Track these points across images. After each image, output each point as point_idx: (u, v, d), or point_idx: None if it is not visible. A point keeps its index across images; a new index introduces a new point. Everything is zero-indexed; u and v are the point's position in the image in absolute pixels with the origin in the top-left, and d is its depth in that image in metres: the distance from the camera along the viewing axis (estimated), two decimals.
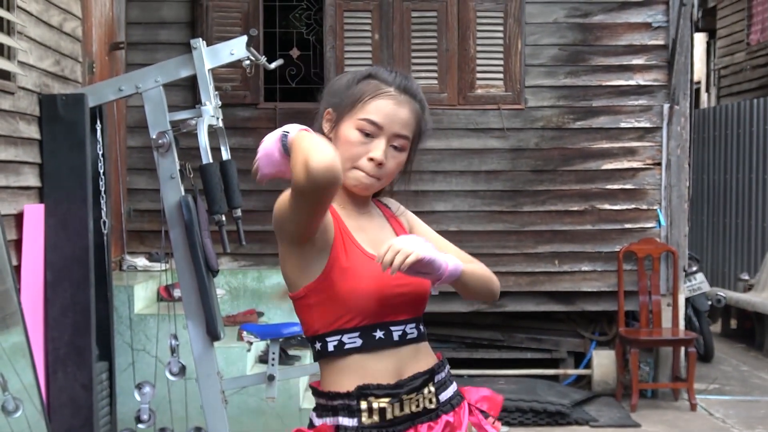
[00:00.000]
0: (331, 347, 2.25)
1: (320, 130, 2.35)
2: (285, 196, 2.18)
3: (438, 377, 2.34)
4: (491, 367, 7.80)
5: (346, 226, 2.29)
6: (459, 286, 2.33)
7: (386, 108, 2.28)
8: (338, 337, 2.24)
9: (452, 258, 2.25)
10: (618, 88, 7.71)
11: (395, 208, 2.49)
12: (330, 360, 2.27)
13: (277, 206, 2.23)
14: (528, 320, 7.97)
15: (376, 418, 2.22)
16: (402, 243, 2.12)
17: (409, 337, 2.30)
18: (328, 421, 2.26)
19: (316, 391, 2.31)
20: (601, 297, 7.74)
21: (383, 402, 2.22)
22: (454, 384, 2.42)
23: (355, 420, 2.22)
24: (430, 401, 2.30)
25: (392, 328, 2.27)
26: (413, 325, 2.32)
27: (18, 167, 4.76)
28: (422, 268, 2.14)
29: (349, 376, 2.24)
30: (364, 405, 2.22)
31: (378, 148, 2.27)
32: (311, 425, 2.31)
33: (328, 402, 2.26)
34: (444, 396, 2.34)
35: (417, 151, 2.40)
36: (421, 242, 2.15)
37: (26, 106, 4.87)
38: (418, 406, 2.27)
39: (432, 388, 2.30)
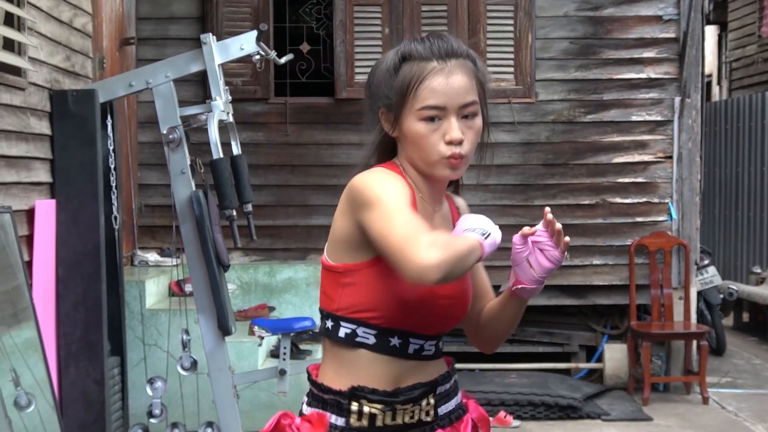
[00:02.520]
0: (342, 333, 2.12)
1: (380, 134, 2.20)
2: (390, 209, 1.96)
3: (441, 389, 2.18)
4: (503, 361, 7.79)
5: None
6: (511, 309, 2.20)
7: (439, 86, 2.07)
8: (354, 327, 2.11)
9: None
10: (629, 82, 7.69)
11: (463, 210, 2.30)
12: (335, 345, 2.15)
13: (387, 220, 1.95)
14: (539, 314, 7.95)
15: (365, 422, 2.10)
16: None
17: (424, 353, 2.15)
18: (315, 413, 2.16)
19: (311, 378, 2.21)
20: (613, 290, 7.72)
21: (375, 408, 2.09)
22: (459, 395, 2.27)
23: (343, 420, 2.11)
24: (427, 414, 2.15)
25: (412, 340, 2.12)
26: (434, 342, 2.18)
27: (29, 163, 4.77)
28: (551, 263, 2.11)
29: (348, 371, 2.12)
30: (354, 406, 2.10)
31: (451, 128, 2.08)
32: (301, 413, 2.22)
33: (319, 393, 2.16)
34: (444, 409, 2.19)
35: (487, 103, 2.22)
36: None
37: (37, 102, 4.88)
38: (412, 417, 2.13)
39: (431, 401, 2.15)
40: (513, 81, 7.60)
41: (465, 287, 2.18)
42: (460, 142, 2.09)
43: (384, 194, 1.99)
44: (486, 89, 2.19)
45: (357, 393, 2.09)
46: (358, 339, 2.11)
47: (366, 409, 2.10)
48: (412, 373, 2.13)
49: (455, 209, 2.29)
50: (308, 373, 2.23)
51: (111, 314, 5.14)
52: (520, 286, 2.11)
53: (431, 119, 2.08)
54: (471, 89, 2.11)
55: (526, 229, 2.07)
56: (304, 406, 2.21)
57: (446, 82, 2.07)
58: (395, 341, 2.10)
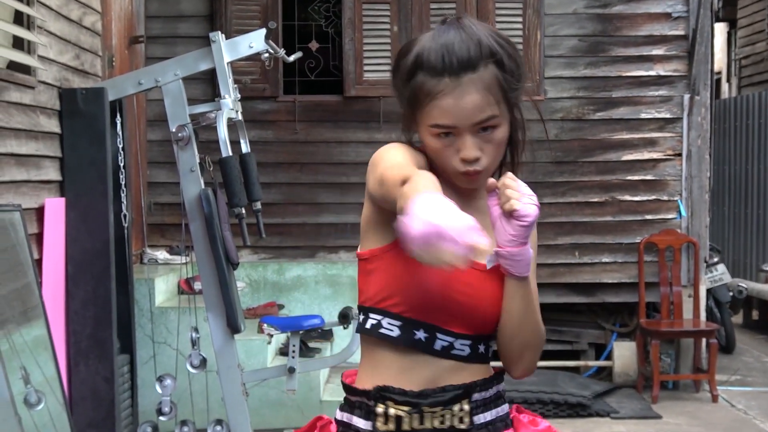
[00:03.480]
0: (369, 324, 2.00)
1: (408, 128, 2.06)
2: (395, 170, 1.85)
3: (477, 396, 2.00)
4: None
5: None
6: (511, 294, 1.97)
7: (449, 107, 1.91)
8: (379, 318, 1.99)
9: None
10: (638, 79, 7.68)
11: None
12: (367, 341, 2.04)
13: (381, 174, 1.89)
14: (548, 312, 7.92)
15: (391, 426, 1.96)
16: (525, 188, 1.86)
17: (454, 352, 1.98)
18: (345, 417, 2.05)
19: (342, 381, 2.10)
20: (622, 288, 7.71)
21: (402, 410, 1.96)
22: (505, 407, 2.08)
23: (370, 424, 1.99)
24: (461, 420, 1.98)
25: (439, 335, 1.97)
26: (467, 342, 2.00)
27: (39, 161, 4.78)
28: (519, 223, 1.84)
29: (377, 370, 2.01)
30: (380, 409, 1.97)
31: (465, 147, 1.93)
32: (335, 417, 2.11)
33: (348, 396, 2.06)
34: (481, 418, 2.01)
35: (518, 103, 2.05)
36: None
37: (46, 101, 4.89)
38: (442, 422, 1.97)
39: (465, 407, 1.97)
40: None
41: (490, 282, 1.99)
42: (475, 160, 1.95)
43: (390, 155, 1.95)
44: (513, 88, 2.00)
45: (383, 393, 1.97)
46: (383, 330, 1.98)
47: (392, 411, 1.96)
48: (444, 374, 1.99)
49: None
50: (341, 377, 2.13)
51: (120, 312, 5.15)
52: (496, 249, 1.91)
53: (447, 134, 1.94)
54: (486, 104, 1.93)
55: (491, 182, 1.90)
56: (337, 411, 2.10)
57: (456, 103, 1.91)
58: (420, 334, 1.97)
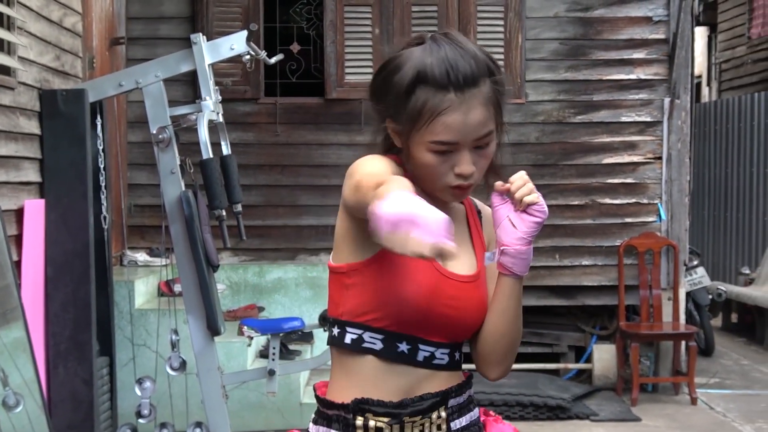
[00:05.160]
0: (348, 339, 1.99)
1: (386, 142, 2.05)
2: (371, 177, 1.82)
3: (453, 402, 2.03)
4: None
5: None
6: (508, 294, 2.01)
7: (455, 123, 1.90)
8: (360, 332, 1.98)
9: None
10: (618, 83, 7.71)
11: (487, 217, 2.15)
12: (342, 354, 2.02)
13: (357, 181, 1.85)
14: (529, 315, 7.91)
15: None
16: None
17: (435, 362, 2.00)
18: (321, 430, 2.04)
19: (316, 395, 2.09)
20: (602, 291, 7.74)
21: (382, 421, 1.96)
22: (475, 411, 2.11)
23: None
24: (439, 427, 2.00)
25: (421, 346, 1.98)
26: (446, 351, 2.02)
27: (18, 162, 4.76)
28: (533, 218, 2.01)
29: (354, 382, 2.00)
30: (360, 421, 1.96)
31: (462, 162, 1.94)
32: (307, 431, 2.09)
33: (324, 409, 2.04)
34: (457, 424, 2.04)
35: (504, 119, 2.06)
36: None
37: (26, 102, 4.87)
38: (422, 431, 1.99)
39: (443, 414, 2.00)
40: None
41: (475, 292, 2.04)
42: (470, 175, 1.97)
43: (368, 165, 1.92)
44: (504, 100, 2.02)
45: (362, 406, 1.97)
46: (365, 345, 1.98)
47: (372, 423, 1.96)
48: (422, 383, 2.00)
49: (475, 213, 2.17)
50: (314, 389, 2.11)
51: (100, 314, 5.13)
52: (503, 247, 1.96)
53: (443, 152, 1.93)
54: (488, 119, 1.95)
55: (499, 184, 1.96)
56: (310, 425, 2.08)
57: (463, 119, 1.91)
58: (403, 347, 1.97)
